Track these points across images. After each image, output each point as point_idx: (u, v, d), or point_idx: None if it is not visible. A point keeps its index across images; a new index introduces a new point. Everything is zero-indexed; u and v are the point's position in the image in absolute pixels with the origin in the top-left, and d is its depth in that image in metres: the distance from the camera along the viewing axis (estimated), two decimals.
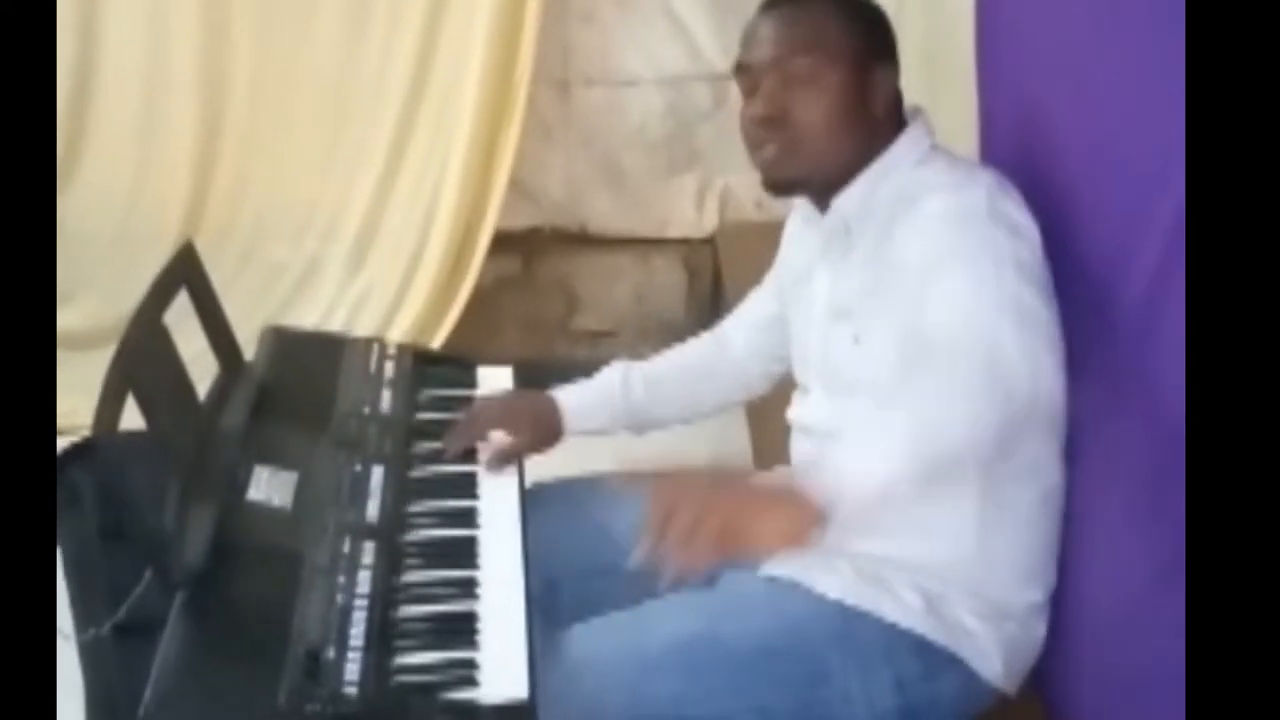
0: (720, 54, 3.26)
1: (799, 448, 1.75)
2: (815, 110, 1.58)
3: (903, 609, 1.56)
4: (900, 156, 1.60)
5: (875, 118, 1.60)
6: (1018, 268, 1.43)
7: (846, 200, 1.61)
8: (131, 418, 1.46)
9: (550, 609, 1.66)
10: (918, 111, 1.66)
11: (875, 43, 1.62)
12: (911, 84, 1.68)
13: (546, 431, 1.84)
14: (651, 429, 1.90)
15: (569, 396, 1.87)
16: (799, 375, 1.78)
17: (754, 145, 1.63)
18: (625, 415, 1.87)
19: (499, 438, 1.79)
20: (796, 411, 1.76)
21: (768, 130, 1.60)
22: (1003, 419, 1.31)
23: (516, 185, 3.24)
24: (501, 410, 1.85)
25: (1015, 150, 1.81)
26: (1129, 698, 1.48)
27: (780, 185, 1.66)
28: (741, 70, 1.64)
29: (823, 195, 1.64)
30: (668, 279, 3.44)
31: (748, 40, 1.63)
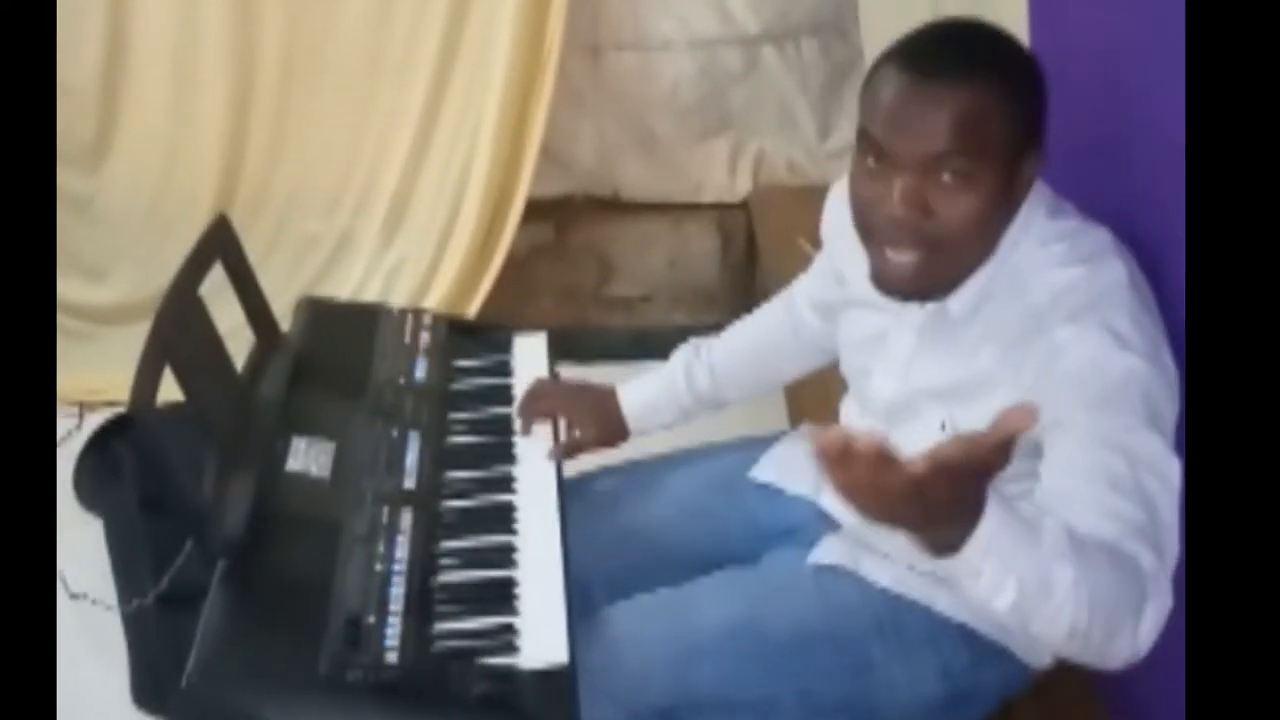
0: (751, 16, 3.24)
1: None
2: (966, 214, 1.34)
3: (954, 601, 1.53)
4: (1019, 235, 1.40)
5: (1016, 208, 1.39)
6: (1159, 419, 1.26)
7: (959, 301, 1.42)
8: (169, 390, 1.47)
9: (584, 608, 1.66)
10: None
11: (1031, 124, 1.37)
12: None
13: (610, 429, 1.84)
14: (723, 408, 1.88)
15: (633, 397, 1.85)
16: (855, 392, 1.67)
17: (888, 242, 1.38)
18: (693, 407, 1.85)
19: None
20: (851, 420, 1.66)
21: (907, 232, 1.35)
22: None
23: (548, 152, 3.22)
24: (566, 398, 1.85)
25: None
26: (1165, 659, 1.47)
27: (911, 294, 1.42)
28: (876, 150, 1.36)
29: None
30: (701, 244, 3.42)
31: (892, 117, 1.33)
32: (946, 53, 1.34)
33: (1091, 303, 1.32)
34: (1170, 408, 1.28)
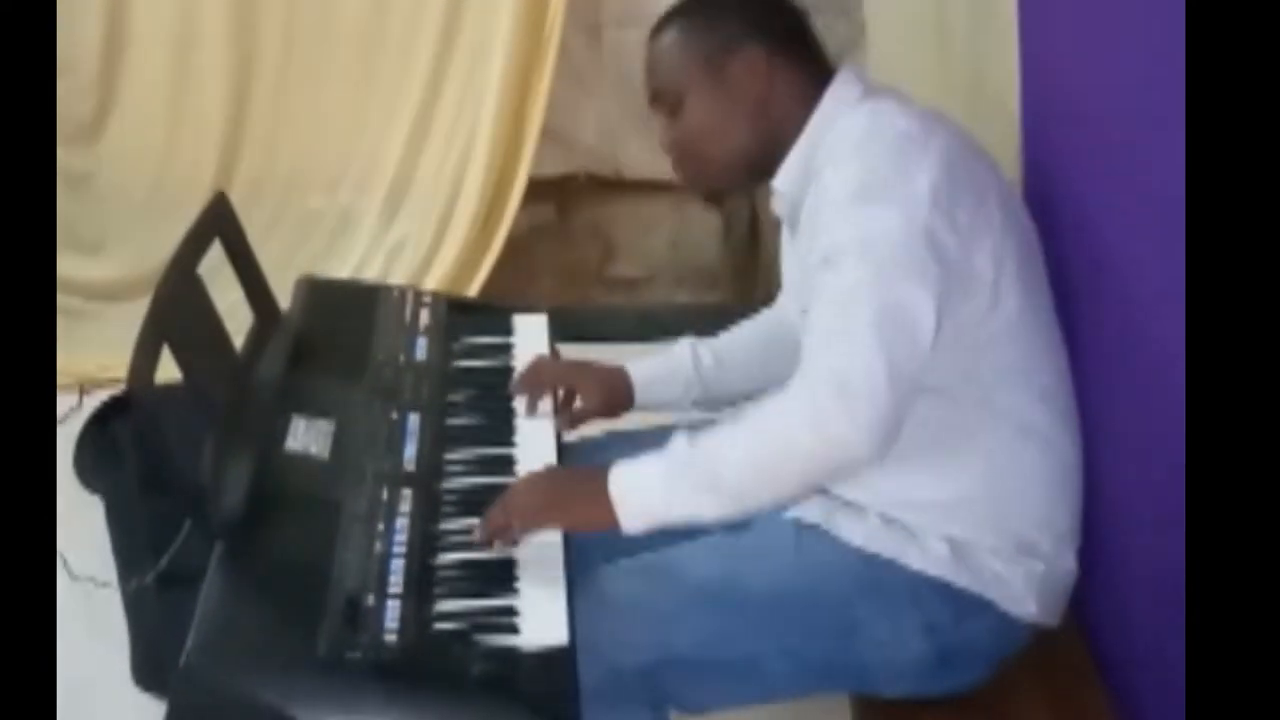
0: None
1: None
2: (692, 132, 1.61)
3: (927, 557, 1.54)
4: (828, 118, 1.57)
5: (761, 100, 1.59)
6: (899, 257, 1.41)
7: (783, 180, 1.61)
8: (169, 370, 1.46)
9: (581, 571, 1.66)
10: (847, 67, 1.62)
11: (721, 38, 1.60)
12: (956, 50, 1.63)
13: (616, 398, 1.83)
14: (722, 403, 1.87)
15: (639, 368, 1.85)
16: None
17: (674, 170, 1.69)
18: (698, 387, 1.84)
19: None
20: None
21: (672, 158, 1.66)
22: (827, 453, 1.38)
23: (550, 132, 3.21)
24: (568, 368, 1.85)
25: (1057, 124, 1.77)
26: (1165, 618, 1.47)
27: (709, 198, 1.71)
28: None
29: (769, 178, 1.63)
30: (703, 225, 3.41)
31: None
32: (662, 16, 1.66)
33: (856, 146, 1.49)
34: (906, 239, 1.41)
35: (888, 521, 1.56)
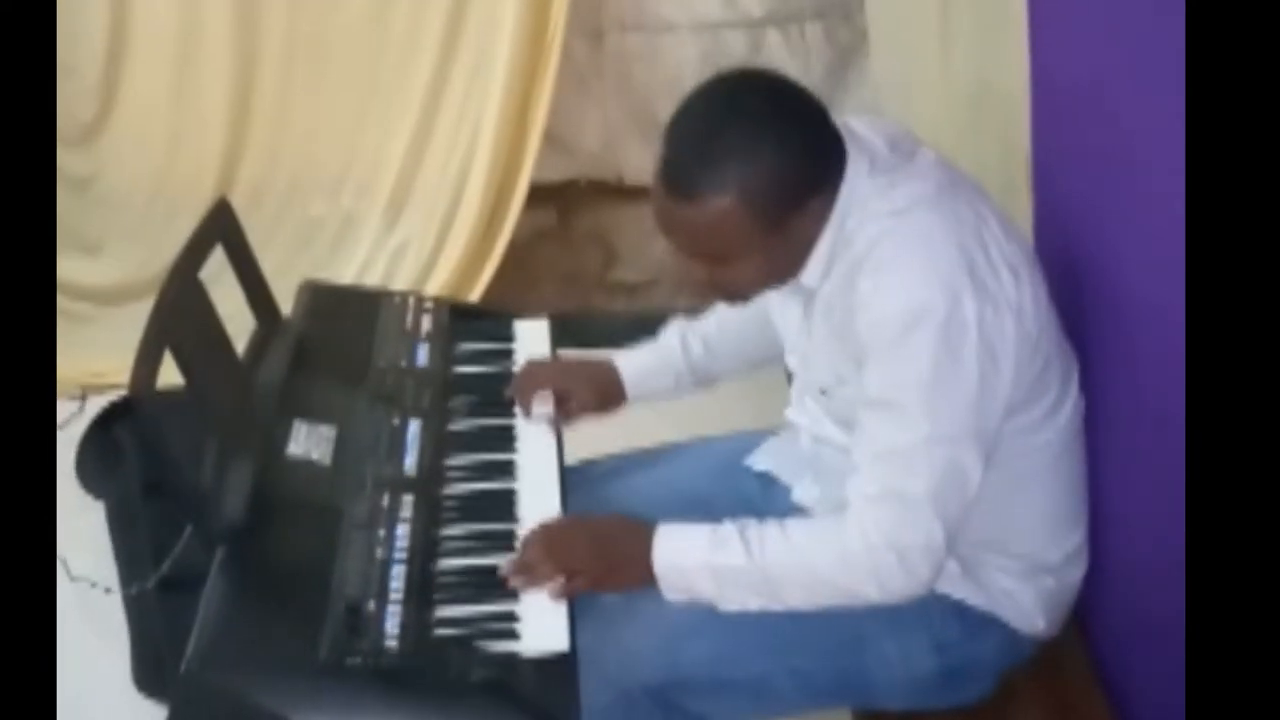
0: (756, 0, 3.22)
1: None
2: (737, 281, 1.52)
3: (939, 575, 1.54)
4: (846, 206, 1.48)
5: (813, 239, 1.50)
6: (956, 415, 1.42)
7: (810, 277, 1.53)
8: (170, 374, 1.46)
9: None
10: (850, 135, 1.52)
11: (786, 201, 1.45)
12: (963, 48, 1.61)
13: (607, 394, 1.83)
14: (715, 383, 1.88)
15: (629, 362, 1.85)
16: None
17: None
18: (688, 375, 1.85)
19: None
20: (794, 414, 1.73)
21: (702, 292, 1.58)
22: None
23: (551, 137, 3.21)
24: (559, 369, 1.85)
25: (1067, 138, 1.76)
26: (1167, 630, 1.47)
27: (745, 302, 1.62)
28: None
29: None
30: None
31: (657, 221, 1.51)
32: (684, 162, 1.45)
33: (892, 256, 1.44)
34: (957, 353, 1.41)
35: None
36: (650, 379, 1.85)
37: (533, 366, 1.85)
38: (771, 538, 1.46)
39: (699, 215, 1.44)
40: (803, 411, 1.69)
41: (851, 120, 1.56)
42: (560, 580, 1.47)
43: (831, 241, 1.50)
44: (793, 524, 1.49)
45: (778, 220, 1.45)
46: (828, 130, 1.49)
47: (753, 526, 1.48)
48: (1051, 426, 1.54)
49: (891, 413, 1.42)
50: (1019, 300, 1.45)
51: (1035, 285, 1.49)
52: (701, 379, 1.86)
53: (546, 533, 1.52)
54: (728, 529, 1.48)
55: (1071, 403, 1.57)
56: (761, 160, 1.43)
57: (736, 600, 1.48)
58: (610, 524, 1.55)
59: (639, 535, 1.49)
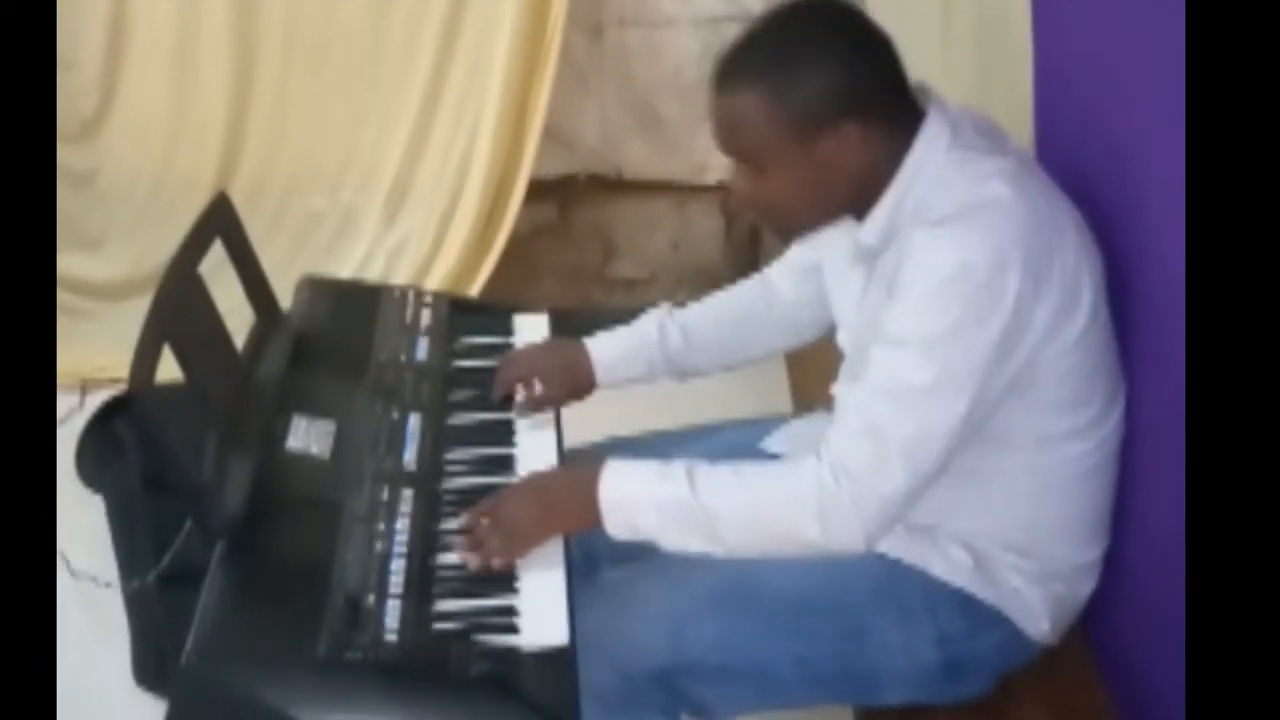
0: None
1: None
2: (777, 198, 1.51)
3: (950, 566, 1.54)
4: (917, 168, 1.48)
5: (853, 174, 1.48)
6: (960, 369, 1.40)
7: (870, 233, 1.52)
8: (170, 369, 1.46)
9: (588, 574, 1.66)
10: (927, 96, 1.51)
11: (812, 110, 1.44)
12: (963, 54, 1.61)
13: (578, 382, 1.81)
14: (693, 376, 1.86)
15: (603, 347, 1.83)
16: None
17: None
18: (663, 363, 1.83)
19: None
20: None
21: (748, 209, 1.57)
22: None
23: (551, 132, 3.21)
24: (530, 360, 1.83)
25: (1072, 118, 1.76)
26: (1168, 630, 1.47)
27: (793, 236, 1.64)
28: None
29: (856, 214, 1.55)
30: (705, 225, 3.41)
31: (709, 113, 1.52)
32: (729, 58, 1.50)
33: (953, 214, 1.42)
34: (989, 326, 1.39)
35: (911, 528, 1.55)
36: (622, 365, 1.83)
37: (510, 355, 1.85)
38: (720, 474, 1.46)
39: (730, 104, 1.48)
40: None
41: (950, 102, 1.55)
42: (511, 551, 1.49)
43: (896, 200, 1.49)
44: (749, 465, 1.50)
45: (807, 131, 1.45)
46: (888, 69, 1.50)
47: (704, 465, 1.48)
48: (1094, 437, 1.53)
49: (902, 353, 1.41)
50: (1058, 313, 1.43)
51: (1084, 317, 1.46)
52: (677, 369, 1.84)
53: (493, 513, 1.52)
54: (677, 464, 1.48)
55: (1113, 424, 1.55)
56: (800, 65, 1.45)
57: (677, 538, 1.47)
58: (554, 473, 1.61)
59: (584, 477, 1.50)
